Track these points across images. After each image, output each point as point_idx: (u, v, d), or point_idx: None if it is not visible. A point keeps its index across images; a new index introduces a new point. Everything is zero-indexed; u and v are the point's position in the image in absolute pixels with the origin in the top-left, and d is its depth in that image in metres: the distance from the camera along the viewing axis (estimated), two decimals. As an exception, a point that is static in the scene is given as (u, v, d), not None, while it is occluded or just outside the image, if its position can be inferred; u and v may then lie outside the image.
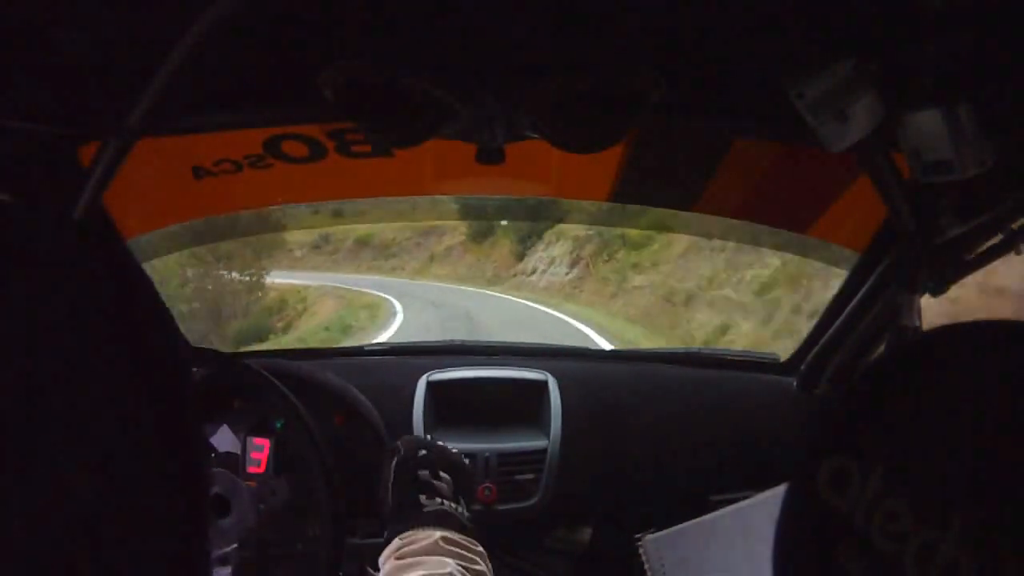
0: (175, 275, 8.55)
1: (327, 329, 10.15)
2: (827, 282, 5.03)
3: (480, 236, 15.64)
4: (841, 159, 0.70)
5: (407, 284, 15.04)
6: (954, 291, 0.82)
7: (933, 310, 0.87)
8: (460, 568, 0.57)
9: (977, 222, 0.73)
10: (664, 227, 1.72)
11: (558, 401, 1.09)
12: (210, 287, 10.00)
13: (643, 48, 0.69)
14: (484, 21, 0.62)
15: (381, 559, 0.62)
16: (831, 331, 1.07)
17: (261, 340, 9.46)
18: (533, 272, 13.45)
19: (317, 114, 0.81)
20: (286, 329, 11.44)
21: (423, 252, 18.14)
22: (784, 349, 1.23)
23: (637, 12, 0.61)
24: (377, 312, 11.16)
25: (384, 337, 7.94)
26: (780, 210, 1.02)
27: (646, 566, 0.93)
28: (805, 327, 1.21)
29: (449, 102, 0.68)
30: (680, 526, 0.93)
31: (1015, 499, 0.23)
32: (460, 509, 0.67)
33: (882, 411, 0.29)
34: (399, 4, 0.59)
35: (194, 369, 0.85)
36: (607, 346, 6.34)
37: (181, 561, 0.25)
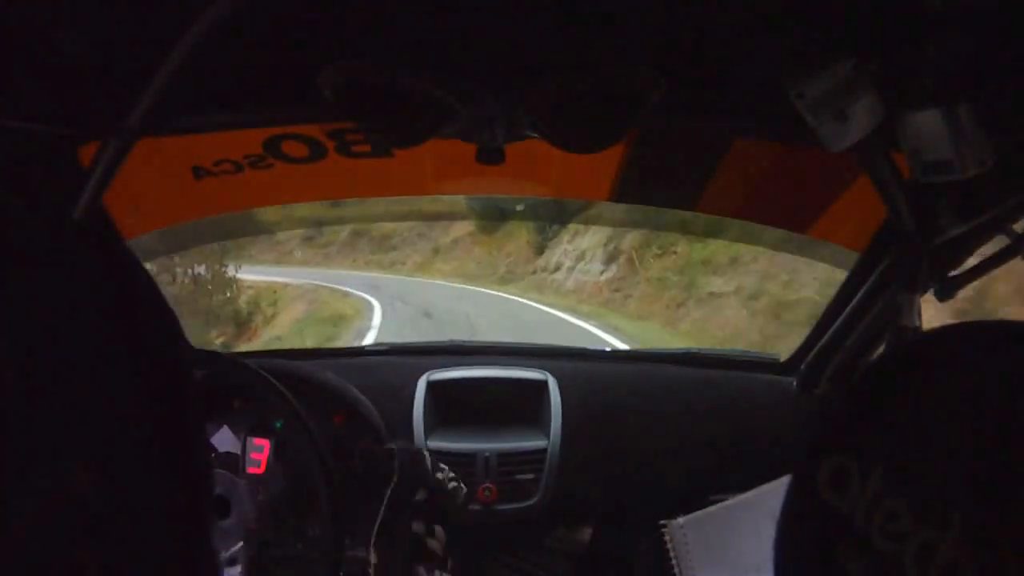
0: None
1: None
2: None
3: (491, 226, 13.45)
4: (841, 159, 0.70)
5: (403, 283, 13.21)
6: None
7: (933, 309, 0.85)
8: None
9: (977, 222, 0.73)
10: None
11: (558, 401, 1.09)
12: (168, 284, 8.06)
13: (643, 48, 0.68)
14: (484, 21, 0.62)
15: None
16: (831, 331, 1.07)
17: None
18: (557, 269, 10.91)
19: (317, 114, 0.81)
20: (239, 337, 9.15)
21: (426, 244, 16.21)
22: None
23: (637, 12, 0.61)
24: (343, 327, 8.59)
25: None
26: (780, 210, 1.02)
27: (671, 552, 0.93)
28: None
29: (449, 102, 0.68)
30: (705, 511, 0.92)
31: (1015, 499, 0.23)
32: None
33: (882, 411, 0.29)
34: (399, 4, 0.59)
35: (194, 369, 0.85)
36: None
37: (183, 561, 0.25)
